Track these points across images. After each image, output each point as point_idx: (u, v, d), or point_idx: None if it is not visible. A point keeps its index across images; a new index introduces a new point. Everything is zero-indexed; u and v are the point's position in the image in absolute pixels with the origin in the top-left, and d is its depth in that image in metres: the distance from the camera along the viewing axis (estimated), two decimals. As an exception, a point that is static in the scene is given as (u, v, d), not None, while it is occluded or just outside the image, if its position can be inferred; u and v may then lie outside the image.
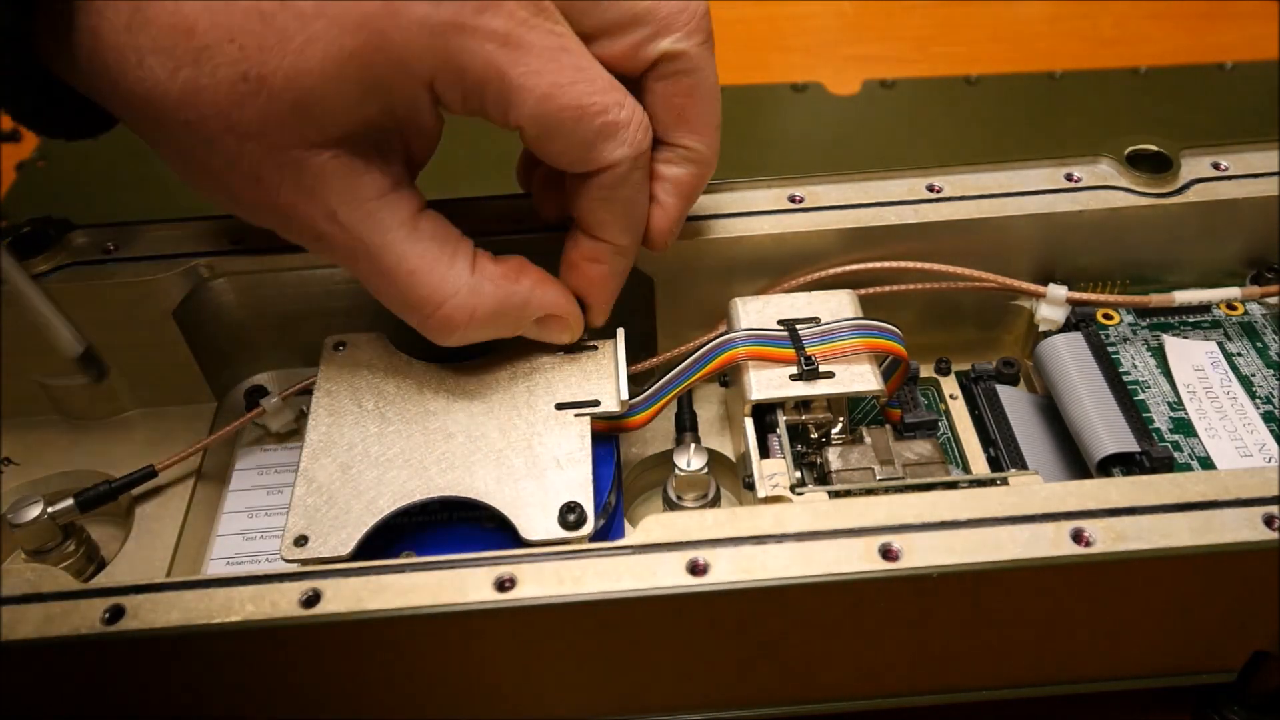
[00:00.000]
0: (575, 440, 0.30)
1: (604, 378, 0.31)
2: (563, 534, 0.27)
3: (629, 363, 0.32)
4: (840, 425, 0.31)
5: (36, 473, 0.34)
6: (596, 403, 0.30)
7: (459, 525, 0.30)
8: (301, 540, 0.27)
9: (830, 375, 0.30)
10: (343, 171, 0.26)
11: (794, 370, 0.31)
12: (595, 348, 0.32)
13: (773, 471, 0.29)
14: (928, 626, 0.27)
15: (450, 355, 0.31)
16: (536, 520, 0.28)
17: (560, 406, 0.30)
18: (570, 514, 0.28)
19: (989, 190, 0.34)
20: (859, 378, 0.30)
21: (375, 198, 0.27)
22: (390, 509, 0.28)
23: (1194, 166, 0.35)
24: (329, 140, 0.25)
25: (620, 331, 0.32)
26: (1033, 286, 0.34)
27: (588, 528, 0.27)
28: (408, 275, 0.27)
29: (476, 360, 0.32)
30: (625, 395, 0.31)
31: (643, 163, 0.28)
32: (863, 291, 0.34)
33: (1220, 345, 0.34)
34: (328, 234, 0.27)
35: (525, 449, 0.29)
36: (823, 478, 0.29)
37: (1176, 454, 0.30)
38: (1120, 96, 0.54)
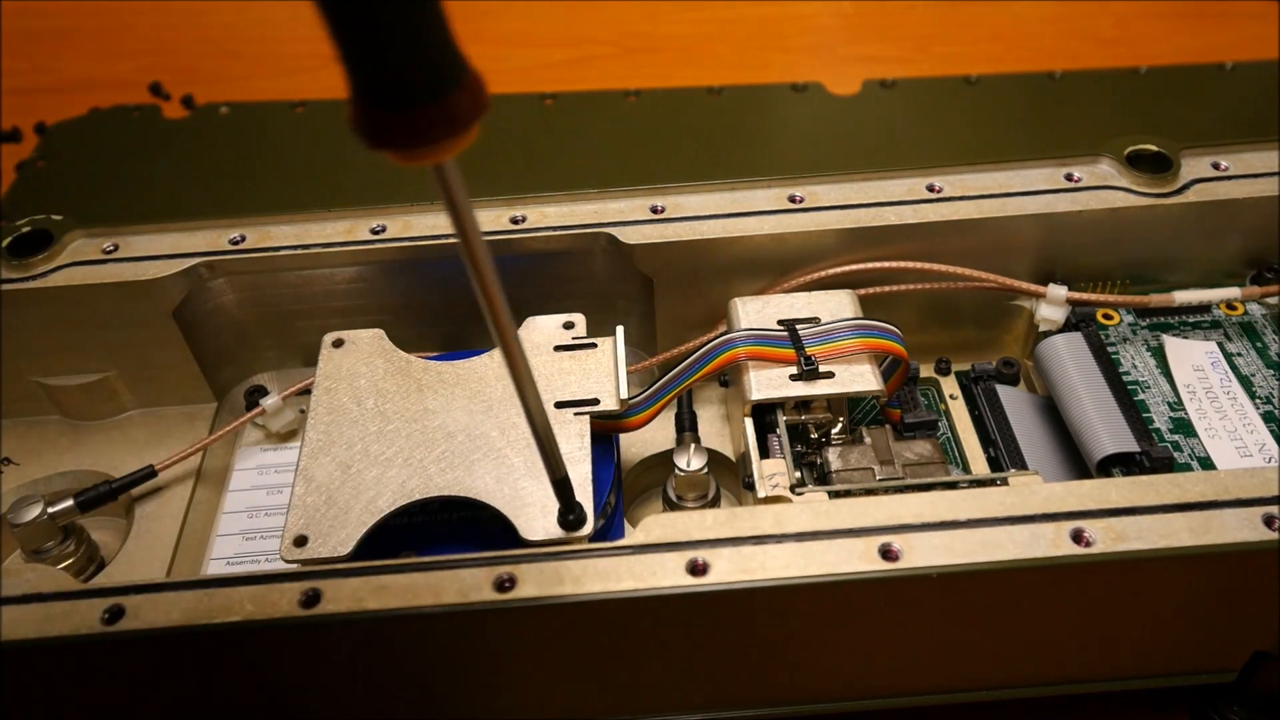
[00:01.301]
0: (575, 440, 0.29)
1: (603, 376, 0.31)
2: (562, 534, 0.27)
3: (629, 362, 0.32)
4: (840, 425, 0.31)
5: (36, 473, 0.34)
6: (596, 401, 0.30)
7: (459, 525, 0.30)
8: (301, 540, 0.27)
9: (830, 375, 0.30)
10: None
11: (794, 370, 0.31)
12: (595, 345, 0.32)
13: (773, 471, 0.29)
14: (928, 626, 0.27)
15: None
16: (536, 520, 0.27)
17: (560, 405, 0.30)
18: (570, 514, 0.27)
19: (989, 190, 0.34)
20: (859, 378, 0.30)
21: None
22: (390, 508, 0.28)
23: (1194, 166, 0.35)
24: None
25: (620, 329, 0.32)
26: (1033, 286, 0.34)
27: (587, 528, 0.27)
28: None
29: (477, 358, 0.32)
30: (624, 394, 0.31)
31: None
32: (863, 291, 0.34)
33: (1220, 345, 0.34)
34: None
35: (525, 448, 0.29)
36: (823, 478, 0.29)
37: (1176, 454, 0.30)
38: (1120, 96, 0.54)
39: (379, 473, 0.29)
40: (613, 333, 0.32)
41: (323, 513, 0.28)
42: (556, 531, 0.27)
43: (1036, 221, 0.34)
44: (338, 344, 0.32)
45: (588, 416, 0.30)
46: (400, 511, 0.28)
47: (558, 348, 0.32)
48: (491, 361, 0.32)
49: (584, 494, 0.28)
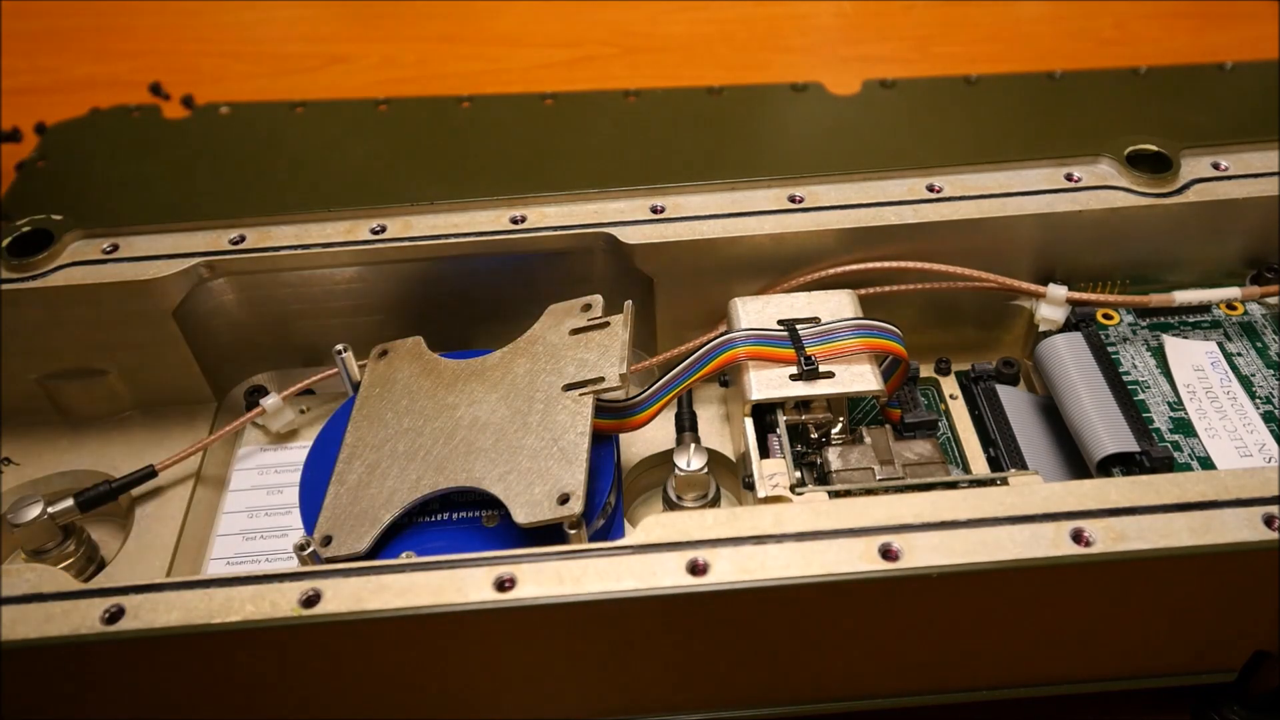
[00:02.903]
0: (576, 421, 0.29)
1: (612, 355, 0.31)
2: (552, 516, 0.27)
3: (630, 364, 0.32)
4: (840, 425, 0.31)
5: (36, 473, 0.34)
6: (601, 379, 0.30)
7: (459, 525, 0.30)
8: (327, 540, 0.28)
9: (830, 375, 0.30)
10: None
11: (794, 370, 0.31)
12: (607, 324, 0.32)
13: (773, 471, 0.29)
14: (928, 626, 0.27)
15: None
16: (529, 504, 0.28)
17: (568, 388, 0.31)
18: (563, 503, 0.28)
19: (989, 190, 0.34)
20: (859, 378, 0.30)
21: None
22: (404, 504, 0.29)
23: (1194, 166, 0.35)
24: None
25: (629, 305, 0.32)
26: (1033, 286, 0.34)
27: (576, 506, 0.27)
28: None
29: (496, 352, 0.32)
30: (625, 369, 0.30)
31: None
32: (863, 291, 0.34)
33: (1220, 345, 0.34)
34: None
35: (529, 434, 0.29)
36: (823, 478, 0.29)
37: (1176, 454, 0.30)
38: (1120, 96, 0.54)
39: (400, 469, 0.30)
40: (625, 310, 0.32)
41: (348, 512, 0.29)
42: (546, 514, 0.27)
43: (1036, 221, 0.34)
44: (382, 354, 0.33)
45: (591, 396, 0.30)
46: (411, 508, 0.29)
47: (573, 331, 0.32)
48: (508, 353, 0.32)
49: (581, 473, 0.28)
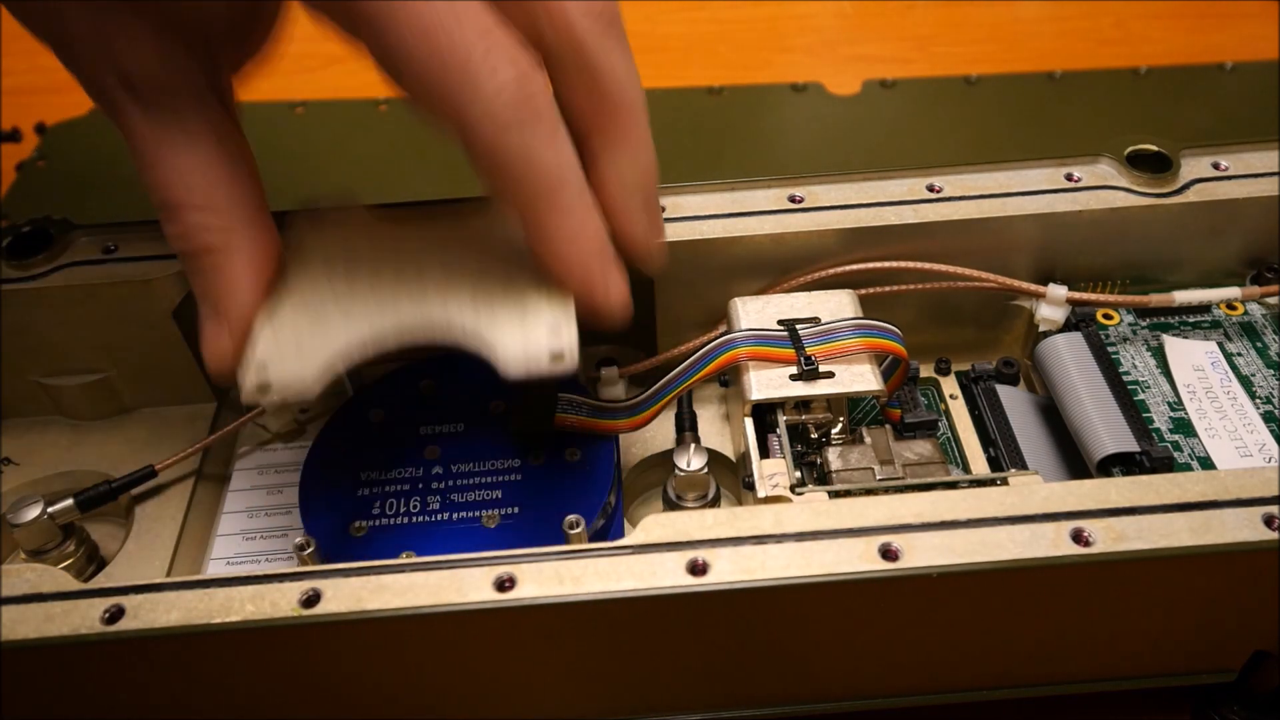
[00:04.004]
0: None
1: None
2: (546, 367, 0.25)
3: (628, 364, 0.32)
4: (840, 425, 0.31)
5: (36, 473, 0.34)
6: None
7: (459, 525, 0.30)
8: (265, 388, 0.25)
9: (830, 375, 0.30)
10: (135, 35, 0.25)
11: (794, 370, 0.31)
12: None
13: (773, 471, 0.29)
14: (928, 626, 0.27)
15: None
16: (516, 353, 0.26)
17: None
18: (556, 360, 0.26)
19: (989, 190, 0.34)
20: (859, 378, 0.30)
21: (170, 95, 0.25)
22: (359, 352, 0.26)
23: (1194, 166, 0.35)
24: None
25: None
26: (1033, 286, 0.34)
27: (569, 361, 0.25)
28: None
29: (456, 207, 0.30)
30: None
31: (520, 126, 0.23)
32: (863, 291, 0.34)
33: (1220, 345, 0.34)
34: (111, 101, 0.26)
35: (503, 276, 0.27)
36: (823, 478, 0.29)
37: (1176, 454, 0.30)
38: (1120, 96, 0.54)
39: (346, 307, 0.27)
40: None
41: (287, 351, 0.26)
42: (540, 363, 0.26)
43: (1036, 221, 0.34)
44: (310, 210, 0.30)
45: None
46: (371, 357, 0.26)
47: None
48: (472, 209, 0.30)
49: (571, 326, 0.26)
